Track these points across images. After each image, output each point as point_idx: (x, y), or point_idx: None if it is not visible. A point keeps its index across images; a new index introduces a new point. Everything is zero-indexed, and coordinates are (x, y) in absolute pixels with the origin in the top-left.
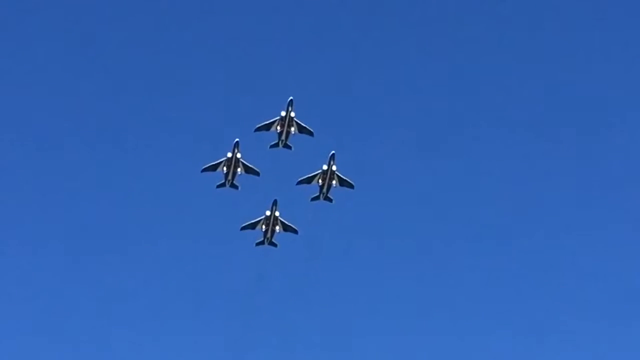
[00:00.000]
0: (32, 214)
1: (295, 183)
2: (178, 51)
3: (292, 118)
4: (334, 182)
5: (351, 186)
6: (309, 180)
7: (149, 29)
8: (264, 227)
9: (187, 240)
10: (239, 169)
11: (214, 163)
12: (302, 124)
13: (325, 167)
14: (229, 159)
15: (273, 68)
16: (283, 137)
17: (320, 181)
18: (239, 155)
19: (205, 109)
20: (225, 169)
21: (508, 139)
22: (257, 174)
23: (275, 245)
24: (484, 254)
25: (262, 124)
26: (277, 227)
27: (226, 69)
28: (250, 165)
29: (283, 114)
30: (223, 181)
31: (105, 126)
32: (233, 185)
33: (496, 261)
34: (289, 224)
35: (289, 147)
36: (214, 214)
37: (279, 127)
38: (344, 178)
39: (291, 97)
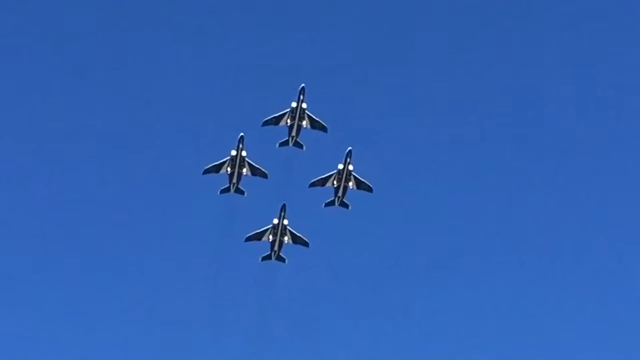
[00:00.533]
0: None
1: (308, 185)
2: (176, 38)
3: (304, 110)
4: (350, 183)
5: (369, 189)
6: (323, 182)
7: (147, 19)
8: (270, 237)
9: (187, 251)
10: (244, 170)
11: (217, 163)
12: (315, 118)
13: (340, 166)
14: (234, 158)
15: (281, 58)
16: (294, 133)
17: (335, 182)
18: (244, 154)
19: (206, 105)
20: (229, 169)
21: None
22: (265, 175)
23: (283, 260)
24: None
25: (271, 117)
26: (286, 238)
27: (229, 60)
28: (257, 166)
29: (294, 105)
30: (227, 185)
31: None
32: (238, 190)
33: (517, 272)
34: (299, 235)
35: (300, 146)
36: (215, 223)
37: (289, 120)
38: (362, 180)
39: (303, 85)
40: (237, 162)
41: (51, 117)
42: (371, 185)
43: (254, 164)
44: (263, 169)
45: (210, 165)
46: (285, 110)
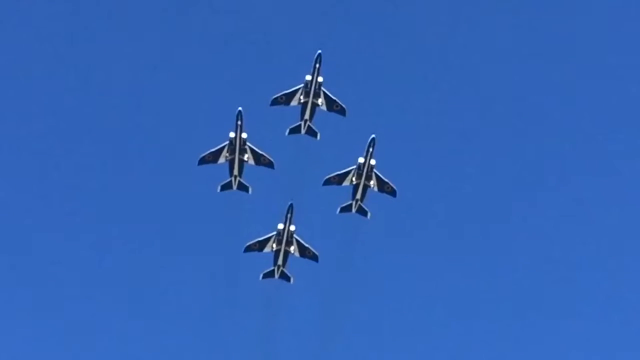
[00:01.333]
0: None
1: (322, 183)
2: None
3: (320, 85)
4: (372, 182)
5: (393, 192)
6: (340, 180)
7: None
8: (274, 246)
9: (177, 259)
10: (246, 156)
11: (214, 150)
12: (332, 97)
13: (361, 159)
14: (233, 141)
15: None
16: (307, 116)
17: (354, 179)
18: (245, 136)
19: (205, 84)
20: (228, 155)
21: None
22: (271, 165)
23: (288, 279)
24: None
25: (281, 93)
26: (292, 248)
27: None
28: (261, 152)
29: (308, 78)
30: (228, 180)
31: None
32: (242, 186)
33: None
34: (308, 246)
35: (314, 134)
36: (210, 226)
37: (302, 98)
38: (385, 180)
39: (319, 51)
40: (237, 145)
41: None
42: (395, 188)
43: (257, 149)
44: (268, 156)
45: (207, 153)
46: (299, 86)
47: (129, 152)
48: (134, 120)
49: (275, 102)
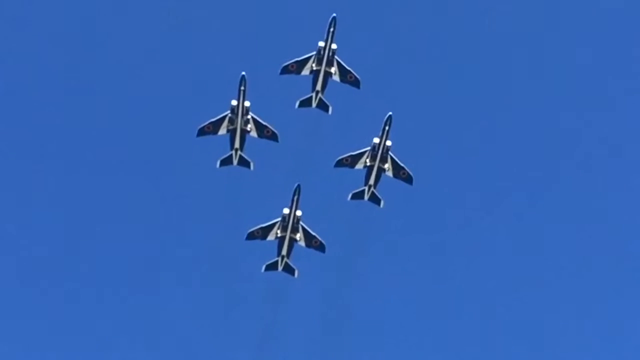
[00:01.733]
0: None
1: (333, 164)
2: None
3: (334, 52)
4: (386, 166)
5: (409, 179)
6: (353, 161)
7: None
8: (279, 232)
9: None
10: (249, 126)
11: (214, 119)
12: (346, 67)
13: (376, 140)
14: (235, 110)
15: None
16: (319, 87)
17: (368, 161)
18: (247, 104)
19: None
20: (229, 125)
21: None
22: (275, 137)
23: (292, 272)
24: None
25: (293, 61)
26: (298, 236)
27: None
28: (264, 123)
29: (321, 44)
30: (229, 154)
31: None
32: (243, 161)
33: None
34: (315, 235)
35: (326, 108)
36: (207, 208)
37: (314, 65)
38: (401, 165)
39: (334, 15)
40: (238, 113)
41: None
42: (411, 174)
43: (260, 120)
44: (272, 128)
45: (207, 123)
46: (311, 54)
47: (120, 120)
48: (131, 85)
49: (285, 70)
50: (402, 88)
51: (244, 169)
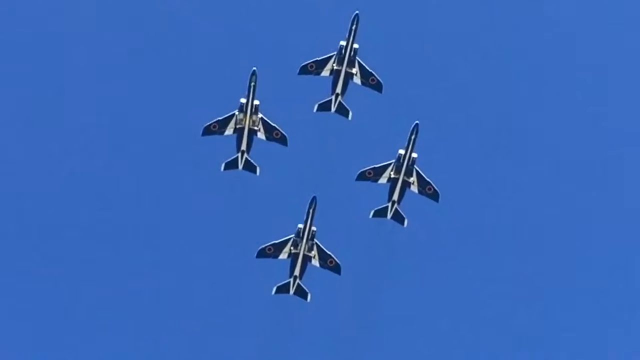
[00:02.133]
0: None
1: (355, 178)
2: None
3: (356, 52)
4: (412, 180)
5: (435, 196)
6: (376, 175)
7: None
8: (292, 250)
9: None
10: (258, 127)
11: (221, 118)
12: (368, 69)
13: (401, 151)
14: (243, 109)
15: None
16: (339, 89)
17: (391, 174)
18: (257, 103)
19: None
20: (236, 126)
21: None
22: (284, 141)
23: (305, 295)
24: None
25: (312, 60)
26: (313, 254)
27: None
28: (272, 124)
29: (343, 43)
30: (235, 157)
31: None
32: (248, 165)
33: None
34: (330, 254)
35: (346, 113)
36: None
37: (335, 65)
38: (427, 180)
39: (357, 12)
40: (247, 111)
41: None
42: (438, 190)
43: (269, 121)
44: (281, 130)
45: (213, 122)
46: (331, 53)
47: (123, 116)
48: (136, 80)
49: (304, 70)
50: (428, 95)
51: (251, 175)
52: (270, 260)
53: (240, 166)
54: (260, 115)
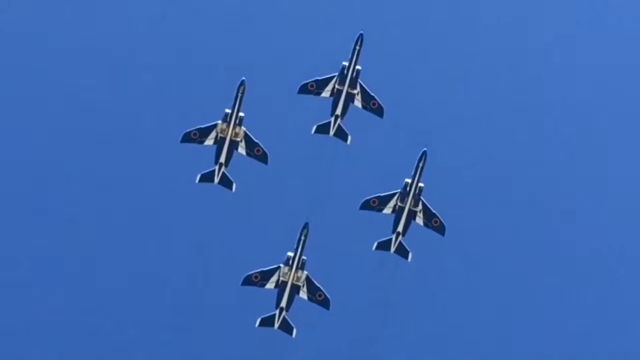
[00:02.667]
0: None
1: (359, 206)
2: None
3: (359, 73)
4: (418, 211)
5: (441, 229)
6: (381, 204)
7: None
8: (281, 279)
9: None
10: (239, 139)
11: (203, 126)
12: (370, 92)
13: (408, 180)
14: (227, 119)
15: None
16: (339, 111)
17: (397, 204)
18: (242, 115)
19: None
20: (218, 136)
21: None
22: (265, 158)
23: (290, 331)
24: None
25: (313, 79)
26: (302, 285)
27: None
28: (255, 139)
29: (345, 64)
30: (212, 169)
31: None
32: (224, 180)
33: None
34: (319, 287)
35: (345, 137)
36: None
37: (337, 86)
38: (433, 211)
39: (361, 32)
40: (231, 123)
41: None
42: (443, 222)
43: (252, 136)
44: (263, 147)
45: (194, 129)
46: (333, 74)
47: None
48: (124, 88)
49: (304, 89)
50: (432, 120)
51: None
52: (256, 288)
53: (217, 180)
54: (243, 128)
